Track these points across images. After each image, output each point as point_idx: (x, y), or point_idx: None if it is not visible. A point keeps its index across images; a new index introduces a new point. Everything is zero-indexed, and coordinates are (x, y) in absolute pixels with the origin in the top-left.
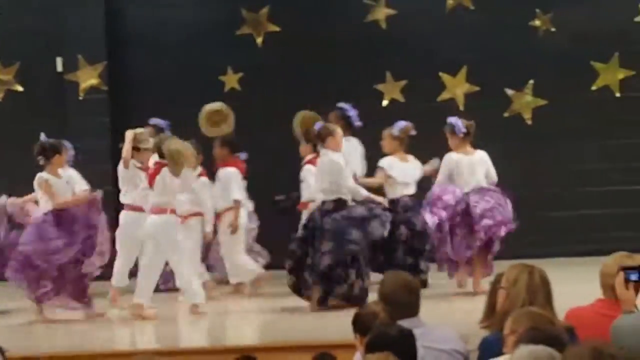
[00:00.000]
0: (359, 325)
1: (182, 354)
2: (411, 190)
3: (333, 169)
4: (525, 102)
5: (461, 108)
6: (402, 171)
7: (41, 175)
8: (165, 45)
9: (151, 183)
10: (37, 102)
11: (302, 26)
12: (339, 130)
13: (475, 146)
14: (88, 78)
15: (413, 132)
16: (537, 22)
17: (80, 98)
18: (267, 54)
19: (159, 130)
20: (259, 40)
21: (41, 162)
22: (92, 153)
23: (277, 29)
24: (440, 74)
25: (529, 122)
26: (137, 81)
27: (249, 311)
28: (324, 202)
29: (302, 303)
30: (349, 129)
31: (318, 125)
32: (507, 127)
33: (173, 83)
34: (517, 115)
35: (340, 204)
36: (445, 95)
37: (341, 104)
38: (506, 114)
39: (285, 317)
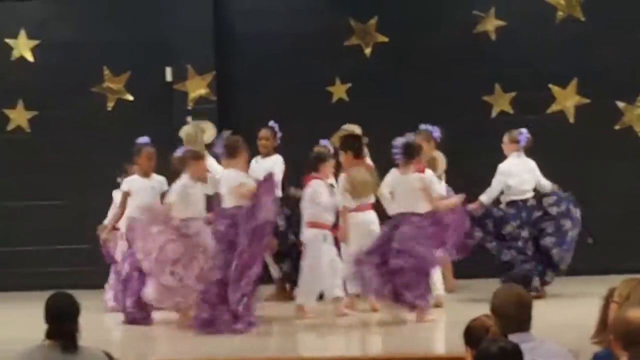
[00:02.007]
0: (469, 337)
1: None
2: None
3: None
4: (636, 114)
5: (571, 120)
6: None
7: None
8: (273, 55)
9: None
10: (147, 111)
11: (410, 37)
12: None
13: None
14: (197, 88)
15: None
16: None
17: (189, 108)
18: (375, 65)
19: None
20: (368, 50)
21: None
22: None
23: (385, 39)
24: (550, 85)
25: None
26: (246, 91)
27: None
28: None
29: None
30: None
31: (525, 134)
32: (618, 140)
33: (281, 93)
34: (629, 127)
35: None
36: (554, 108)
37: (272, 123)
38: (617, 127)
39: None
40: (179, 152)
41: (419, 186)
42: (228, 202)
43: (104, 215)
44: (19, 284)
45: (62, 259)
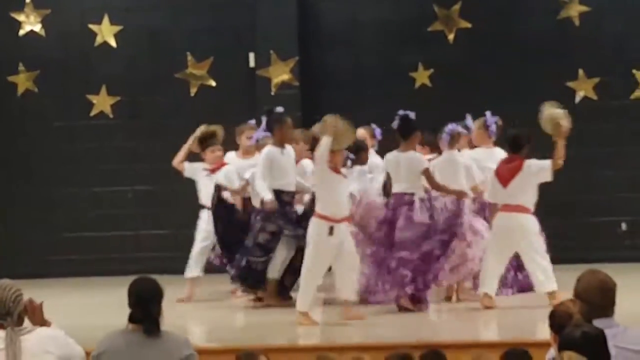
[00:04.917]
0: (554, 322)
1: None
2: None
3: None
4: None
5: None
6: None
7: None
8: (356, 41)
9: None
10: (229, 96)
11: (493, 22)
12: None
13: None
14: (280, 74)
15: None
16: None
17: (272, 93)
18: (458, 51)
19: None
20: (451, 36)
21: None
22: None
23: (468, 25)
24: (634, 71)
25: None
26: (328, 77)
27: None
28: None
29: None
30: None
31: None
32: None
33: (363, 79)
34: None
35: None
36: (638, 93)
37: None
38: None
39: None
40: None
41: None
42: None
43: (189, 201)
44: (105, 269)
45: (147, 245)
